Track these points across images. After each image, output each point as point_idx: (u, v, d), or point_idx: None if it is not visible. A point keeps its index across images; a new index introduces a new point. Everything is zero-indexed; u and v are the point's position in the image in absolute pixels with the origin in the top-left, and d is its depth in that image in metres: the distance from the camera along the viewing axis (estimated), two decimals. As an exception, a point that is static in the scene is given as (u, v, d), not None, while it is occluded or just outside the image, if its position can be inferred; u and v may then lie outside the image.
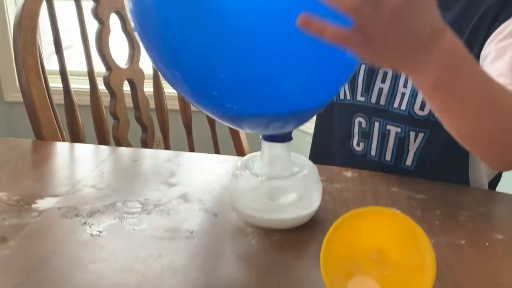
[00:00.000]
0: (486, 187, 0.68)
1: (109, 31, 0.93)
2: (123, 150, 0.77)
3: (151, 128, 1.02)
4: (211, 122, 1.07)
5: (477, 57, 0.58)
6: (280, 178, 0.51)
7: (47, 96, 0.78)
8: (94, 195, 0.56)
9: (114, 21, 0.95)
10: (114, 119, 0.95)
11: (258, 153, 0.53)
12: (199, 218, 0.51)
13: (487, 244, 0.47)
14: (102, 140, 0.93)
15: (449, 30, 0.40)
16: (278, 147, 0.51)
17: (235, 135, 1.07)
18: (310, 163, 0.53)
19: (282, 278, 0.43)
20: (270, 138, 0.51)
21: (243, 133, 1.08)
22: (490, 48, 0.57)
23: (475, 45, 0.58)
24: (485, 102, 0.46)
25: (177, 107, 1.04)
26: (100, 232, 0.48)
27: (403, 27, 0.36)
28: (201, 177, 0.62)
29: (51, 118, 0.76)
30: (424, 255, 0.37)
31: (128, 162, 0.69)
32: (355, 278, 0.39)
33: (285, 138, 0.51)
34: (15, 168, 0.63)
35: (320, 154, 0.77)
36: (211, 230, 0.50)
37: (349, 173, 0.61)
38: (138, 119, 1.01)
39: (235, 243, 0.49)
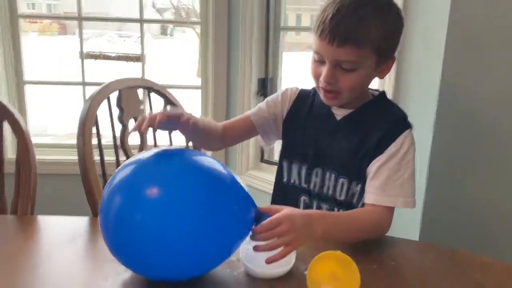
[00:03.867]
0: None
1: (129, 131, 1.30)
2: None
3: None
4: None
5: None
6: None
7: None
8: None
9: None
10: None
11: None
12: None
13: (393, 263, 0.89)
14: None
15: (312, 211, 0.86)
16: None
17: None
18: None
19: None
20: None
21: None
22: (371, 169, 0.97)
23: (366, 161, 0.98)
24: (349, 232, 0.90)
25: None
26: None
27: (295, 228, 0.78)
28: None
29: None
30: (354, 273, 0.77)
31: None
32: (322, 287, 0.79)
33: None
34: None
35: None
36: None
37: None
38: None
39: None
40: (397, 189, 0.95)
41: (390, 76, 1.59)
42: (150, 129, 0.83)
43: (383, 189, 0.94)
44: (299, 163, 1.07)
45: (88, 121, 1.14)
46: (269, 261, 0.77)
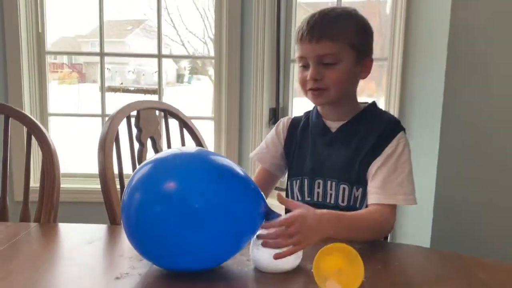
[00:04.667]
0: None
1: (146, 150, 1.37)
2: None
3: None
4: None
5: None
6: None
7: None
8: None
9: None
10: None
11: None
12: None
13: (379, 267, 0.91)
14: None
15: (325, 213, 0.87)
16: None
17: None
18: None
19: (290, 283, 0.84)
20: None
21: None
22: (370, 172, 1.03)
23: (364, 165, 1.04)
24: (359, 232, 0.94)
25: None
26: None
27: (305, 230, 0.82)
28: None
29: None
30: (359, 266, 0.80)
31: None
32: (328, 281, 0.82)
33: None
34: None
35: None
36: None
37: None
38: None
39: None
40: (397, 188, 1.00)
41: (395, 98, 1.67)
42: None
43: (383, 188, 1.00)
44: (301, 178, 1.13)
45: (109, 136, 1.22)
46: (276, 257, 0.81)
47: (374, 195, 1.01)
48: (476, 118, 1.51)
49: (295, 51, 1.09)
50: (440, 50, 1.49)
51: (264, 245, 0.82)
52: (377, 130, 1.05)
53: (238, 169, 0.85)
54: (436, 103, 1.51)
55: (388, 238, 1.19)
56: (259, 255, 0.86)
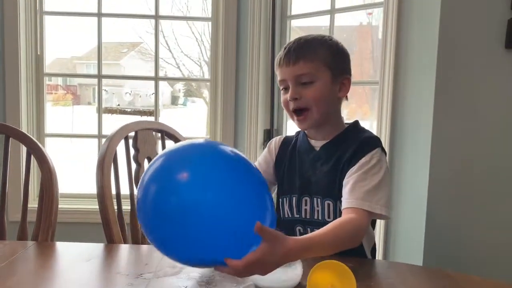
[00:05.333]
0: (369, 253, 1.15)
1: (143, 170, 1.39)
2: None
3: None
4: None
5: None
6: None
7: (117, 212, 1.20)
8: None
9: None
10: (142, 230, 1.36)
11: None
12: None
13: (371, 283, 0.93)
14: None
15: (292, 244, 0.82)
16: None
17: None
18: None
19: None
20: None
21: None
22: (345, 181, 1.05)
23: (343, 176, 1.07)
24: (329, 248, 0.92)
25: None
26: None
27: (272, 263, 0.80)
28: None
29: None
30: (351, 283, 0.82)
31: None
32: None
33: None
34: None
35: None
36: None
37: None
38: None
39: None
40: (363, 194, 1.02)
41: (386, 119, 1.71)
42: None
43: (351, 193, 1.03)
44: (289, 195, 1.17)
45: (107, 156, 1.24)
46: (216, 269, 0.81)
47: (344, 200, 1.04)
48: (465, 138, 1.55)
49: (278, 76, 1.14)
50: (430, 73, 1.54)
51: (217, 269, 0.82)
52: (354, 146, 1.09)
53: (245, 158, 0.87)
54: (427, 124, 1.56)
55: (380, 255, 1.22)
56: (258, 277, 0.88)
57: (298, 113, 1.11)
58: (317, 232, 0.93)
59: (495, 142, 1.55)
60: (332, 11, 2.03)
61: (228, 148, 0.87)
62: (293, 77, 1.09)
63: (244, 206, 0.80)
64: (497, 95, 1.54)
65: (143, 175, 0.84)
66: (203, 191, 0.77)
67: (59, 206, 1.22)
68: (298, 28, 2.28)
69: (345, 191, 1.05)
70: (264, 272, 0.82)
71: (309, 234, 0.93)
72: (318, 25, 2.28)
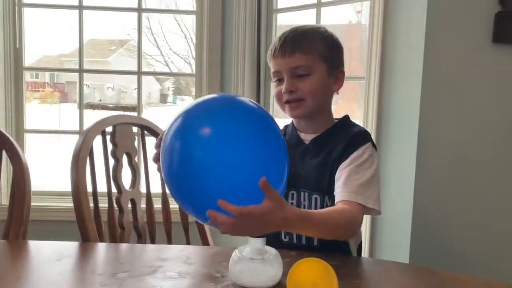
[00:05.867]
0: (355, 251, 1.13)
1: (121, 166, 1.35)
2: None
3: (144, 235, 1.39)
4: (186, 231, 1.46)
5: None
6: (258, 259, 0.87)
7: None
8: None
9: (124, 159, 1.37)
10: (121, 228, 1.32)
11: (246, 246, 0.88)
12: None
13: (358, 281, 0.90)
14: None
15: (291, 217, 0.81)
16: (257, 241, 0.88)
17: (203, 239, 1.47)
18: (274, 250, 0.89)
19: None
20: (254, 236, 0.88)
21: (209, 238, 1.48)
22: (338, 174, 1.03)
23: (333, 174, 1.05)
24: (323, 228, 0.91)
25: (161, 220, 1.43)
26: None
27: (267, 224, 0.79)
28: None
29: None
30: (333, 281, 0.79)
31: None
32: None
33: (262, 236, 0.88)
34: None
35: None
36: None
37: (293, 253, 1.03)
38: (135, 228, 1.38)
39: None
40: (356, 188, 1.00)
41: (373, 113, 1.69)
42: None
43: (344, 186, 1.00)
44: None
45: (82, 151, 1.20)
46: (208, 214, 0.76)
47: (338, 194, 1.01)
48: (452, 132, 1.53)
49: (271, 67, 1.11)
50: (416, 67, 1.52)
51: (209, 224, 0.80)
52: (346, 139, 1.08)
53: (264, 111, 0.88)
54: (413, 119, 1.53)
55: (366, 253, 1.19)
56: (238, 270, 0.85)
57: (291, 100, 1.08)
58: (315, 210, 0.93)
59: (482, 136, 1.53)
60: (319, 5, 1.99)
61: (248, 100, 0.88)
62: (289, 69, 1.06)
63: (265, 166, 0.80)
64: (484, 89, 1.52)
65: (164, 133, 0.84)
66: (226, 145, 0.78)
67: (42, 204, 1.17)
68: (286, 26, 2.24)
69: (338, 184, 1.02)
70: (256, 231, 0.80)
71: (307, 210, 0.93)
72: (305, 23, 2.24)
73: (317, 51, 1.07)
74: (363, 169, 1.03)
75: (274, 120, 0.88)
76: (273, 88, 1.12)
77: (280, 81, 1.09)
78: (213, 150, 0.78)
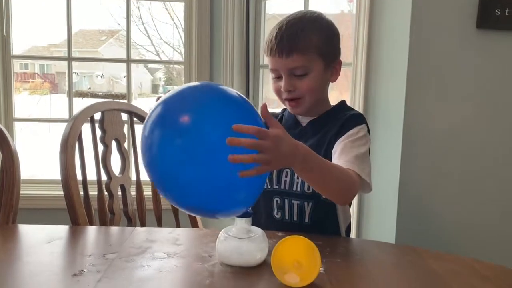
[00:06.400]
0: (344, 232, 1.16)
1: (111, 152, 1.36)
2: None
3: (134, 220, 1.41)
4: (176, 215, 1.48)
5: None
6: (244, 238, 0.90)
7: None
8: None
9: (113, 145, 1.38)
10: (111, 214, 1.33)
11: (233, 226, 0.91)
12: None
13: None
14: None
15: (301, 144, 0.84)
16: (243, 220, 0.90)
17: (193, 223, 1.49)
18: (260, 230, 0.92)
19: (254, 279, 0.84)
20: (239, 216, 0.91)
21: (199, 222, 1.50)
22: (334, 149, 1.05)
23: (329, 153, 1.07)
24: (328, 176, 0.92)
25: (151, 207, 1.45)
26: None
27: (279, 151, 0.78)
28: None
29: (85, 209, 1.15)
30: (316, 259, 0.81)
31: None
32: (286, 274, 0.82)
33: (247, 215, 0.91)
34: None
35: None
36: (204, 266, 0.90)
37: (279, 233, 1.05)
38: (126, 214, 1.40)
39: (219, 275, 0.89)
40: (352, 158, 1.01)
41: (360, 98, 1.71)
42: None
43: (341, 156, 1.02)
44: None
45: (71, 137, 1.21)
46: (243, 174, 0.76)
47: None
48: (437, 116, 1.56)
49: (268, 63, 1.11)
50: (402, 52, 1.54)
51: (231, 160, 0.72)
52: (341, 119, 1.10)
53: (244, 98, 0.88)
54: (399, 103, 1.56)
55: (354, 234, 1.22)
56: (224, 248, 0.87)
57: (290, 99, 1.10)
58: None
59: (467, 121, 1.56)
60: (307, -7, 2.00)
61: (227, 88, 0.88)
62: (287, 70, 1.07)
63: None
64: (468, 74, 1.54)
65: (144, 122, 0.83)
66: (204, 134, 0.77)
67: (33, 192, 1.18)
68: (274, 15, 2.24)
69: (335, 156, 1.04)
70: (277, 155, 0.78)
71: None
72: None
73: (314, 49, 1.06)
74: (357, 144, 1.04)
75: (254, 108, 0.88)
76: (272, 83, 1.12)
77: (278, 77, 1.10)
78: (192, 138, 0.78)
